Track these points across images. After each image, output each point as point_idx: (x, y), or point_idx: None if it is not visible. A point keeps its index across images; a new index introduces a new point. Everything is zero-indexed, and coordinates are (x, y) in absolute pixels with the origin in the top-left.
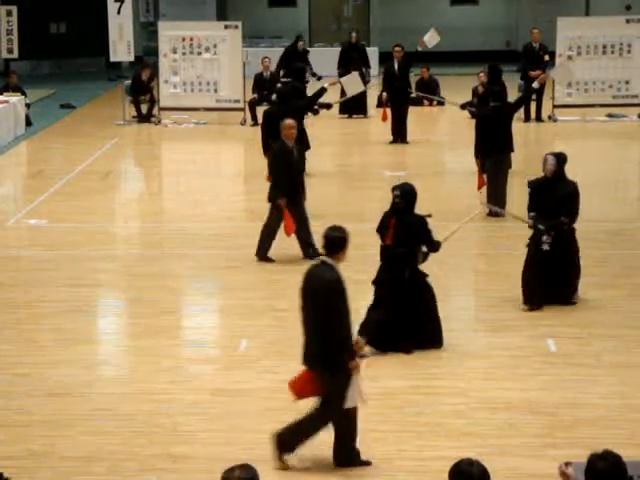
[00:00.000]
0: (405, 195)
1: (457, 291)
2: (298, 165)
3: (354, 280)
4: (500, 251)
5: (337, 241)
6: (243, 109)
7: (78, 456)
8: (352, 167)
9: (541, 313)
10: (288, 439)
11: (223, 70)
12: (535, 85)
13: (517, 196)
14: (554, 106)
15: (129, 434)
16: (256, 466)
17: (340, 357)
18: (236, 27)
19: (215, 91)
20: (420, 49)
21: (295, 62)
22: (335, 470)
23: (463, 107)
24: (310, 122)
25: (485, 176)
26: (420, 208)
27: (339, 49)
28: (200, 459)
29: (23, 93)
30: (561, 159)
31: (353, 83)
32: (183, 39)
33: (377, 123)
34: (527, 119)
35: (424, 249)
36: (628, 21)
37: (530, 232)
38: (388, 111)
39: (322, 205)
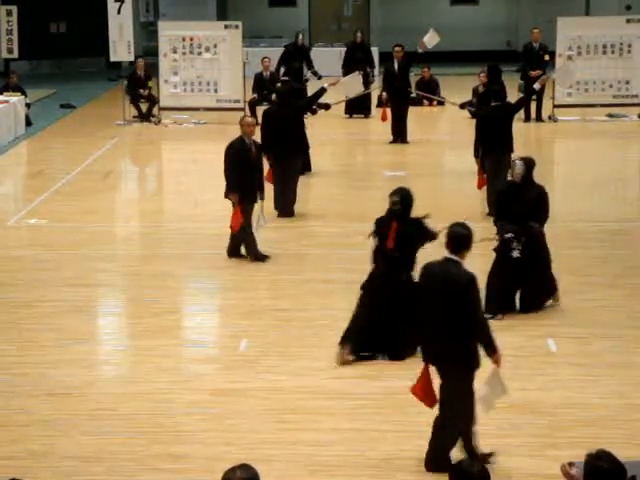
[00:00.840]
0: (404, 200)
1: None
2: (256, 163)
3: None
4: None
5: (463, 239)
6: (243, 109)
7: (78, 456)
8: (352, 167)
9: (541, 313)
10: (438, 456)
11: (223, 70)
12: (536, 86)
13: None
14: (554, 106)
15: (129, 434)
16: (256, 466)
17: (475, 353)
18: (236, 27)
19: (215, 91)
20: (420, 50)
21: (294, 62)
22: (335, 470)
23: (462, 106)
24: (310, 122)
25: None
26: (420, 208)
27: (339, 49)
28: (200, 459)
29: (23, 93)
30: (529, 164)
31: (353, 85)
32: (183, 39)
33: (377, 123)
34: (527, 119)
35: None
36: (628, 21)
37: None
38: (388, 111)
39: (322, 205)
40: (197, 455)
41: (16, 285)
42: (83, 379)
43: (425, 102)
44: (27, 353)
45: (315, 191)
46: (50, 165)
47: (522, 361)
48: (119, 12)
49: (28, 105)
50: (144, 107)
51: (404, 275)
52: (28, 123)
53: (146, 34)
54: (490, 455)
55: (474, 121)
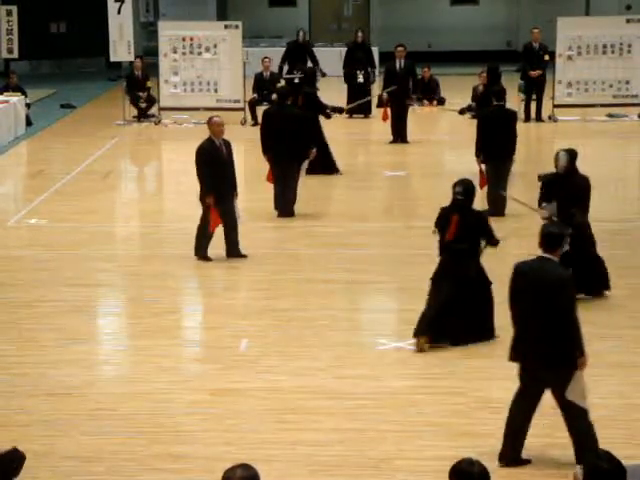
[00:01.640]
0: (467, 191)
1: None
2: (228, 162)
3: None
4: (499, 250)
5: (557, 237)
6: (243, 109)
7: (78, 456)
8: (352, 167)
9: None
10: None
11: (223, 70)
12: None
13: (517, 196)
14: (554, 106)
15: (129, 434)
16: (256, 466)
17: (575, 353)
18: (236, 27)
19: (215, 91)
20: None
21: (303, 64)
22: (335, 470)
23: (462, 112)
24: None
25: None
26: (420, 208)
27: (339, 49)
28: (200, 459)
29: (23, 93)
30: (572, 155)
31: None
32: (183, 39)
33: (377, 123)
34: (527, 119)
35: (482, 244)
36: (628, 21)
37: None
38: (388, 111)
39: (322, 204)
40: (197, 455)
41: (16, 285)
42: (83, 379)
43: (425, 102)
44: (27, 353)
45: (315, 191)
46: (50, 165)
47: None
48: (119, 12)
49: (28, 105)
50: (144, 107)
51: (472, 266)
52: (28, 123)
53: (146, 34)
54: (526, 461)
55: (474, 121)
